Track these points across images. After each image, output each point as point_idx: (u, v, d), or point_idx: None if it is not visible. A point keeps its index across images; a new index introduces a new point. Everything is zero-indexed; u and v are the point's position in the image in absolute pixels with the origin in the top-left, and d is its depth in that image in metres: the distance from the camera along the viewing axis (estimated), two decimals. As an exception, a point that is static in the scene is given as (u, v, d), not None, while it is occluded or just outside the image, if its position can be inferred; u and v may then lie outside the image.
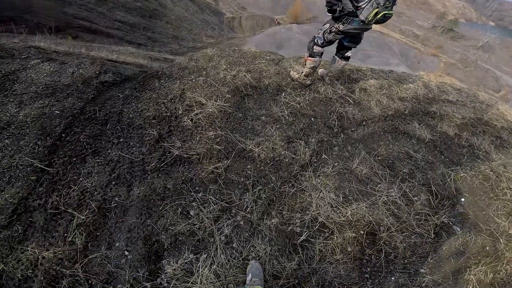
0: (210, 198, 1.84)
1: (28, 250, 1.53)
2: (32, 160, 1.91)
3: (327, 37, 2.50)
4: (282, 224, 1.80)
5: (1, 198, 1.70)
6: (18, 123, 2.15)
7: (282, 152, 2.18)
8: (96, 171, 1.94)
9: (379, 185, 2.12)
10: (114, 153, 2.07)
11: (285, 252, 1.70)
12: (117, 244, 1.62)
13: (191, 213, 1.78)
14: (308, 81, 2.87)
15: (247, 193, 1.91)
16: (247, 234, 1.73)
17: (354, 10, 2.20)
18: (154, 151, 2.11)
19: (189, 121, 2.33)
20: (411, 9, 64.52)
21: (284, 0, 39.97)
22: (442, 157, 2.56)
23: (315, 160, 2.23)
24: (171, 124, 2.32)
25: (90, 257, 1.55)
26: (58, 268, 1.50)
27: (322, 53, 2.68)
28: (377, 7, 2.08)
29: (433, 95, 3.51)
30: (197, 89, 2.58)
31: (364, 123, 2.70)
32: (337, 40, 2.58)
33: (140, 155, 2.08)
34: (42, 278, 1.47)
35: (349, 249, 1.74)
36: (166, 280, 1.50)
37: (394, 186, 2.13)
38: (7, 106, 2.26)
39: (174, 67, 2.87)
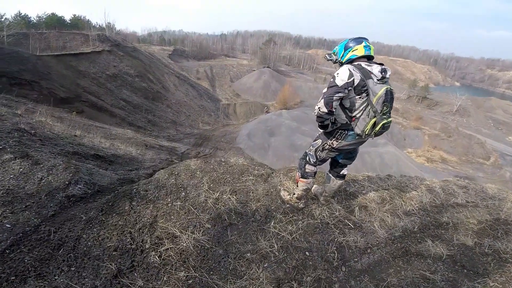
0: None
1: None
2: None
3: (319, 155, 2.30)
4: None
5: None
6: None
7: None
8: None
9: None
10: (61, 280, 1.75)
11: None
12: None
13: None
14: (301, 204, 2.57)
15: None
16: None
17: (348, 122, 2.06)
18: (110, 287, 1.76)
19: (157, 257, 1.97)
20: (385, 82, 72.57)
21: (274, 87, 44.19)
22: (465, 271, 2.20)
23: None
24: (135, 258, 1.96)
25: None
26: None
27: (315, 173, 2.45)
28: (374, 116, 1.94)
29: (441, 201, 3.21)
30: (172, 217, 2.24)
31: (368, 250, 2.32)
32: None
33: (92, 289, 1.67)
34: None
35: None
36: None
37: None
38: None
39: (151, 184, 2.59)
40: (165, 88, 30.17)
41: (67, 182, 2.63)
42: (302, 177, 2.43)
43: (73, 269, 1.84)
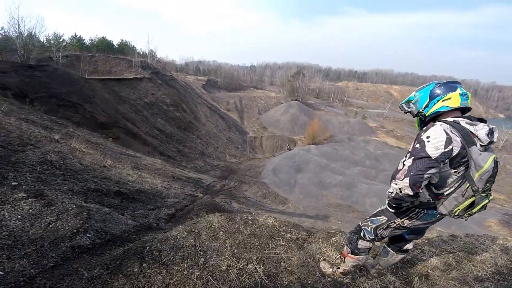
0: None
1: None
2: None
3: (381, 234, 1.78)
4: None
5: None
6: None
7: None
8: None
9: None
10: None
11: None
12: None
13: None
14: (347, 279, 2.01)
15: None
16: None
17: (431, 200, 1.52)
18: None
19: None
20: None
21: (302, 120, 43.32)
22: None
23: None
24: None
25: None
26: None
27: (370, 249, 1.91)
28: (473, 195, 1.38)
29: (518, 260, 2.43)
30: (188, 288, 1.75)
31: None
32: None
33: None
34: None
35: None
36: None
37: None
38: None
39: (166, 244, 2.17)
40: (196, 118, 31.23)
41: (75, 230, 2.32)
42: (352, 253, 1.90)
43: None
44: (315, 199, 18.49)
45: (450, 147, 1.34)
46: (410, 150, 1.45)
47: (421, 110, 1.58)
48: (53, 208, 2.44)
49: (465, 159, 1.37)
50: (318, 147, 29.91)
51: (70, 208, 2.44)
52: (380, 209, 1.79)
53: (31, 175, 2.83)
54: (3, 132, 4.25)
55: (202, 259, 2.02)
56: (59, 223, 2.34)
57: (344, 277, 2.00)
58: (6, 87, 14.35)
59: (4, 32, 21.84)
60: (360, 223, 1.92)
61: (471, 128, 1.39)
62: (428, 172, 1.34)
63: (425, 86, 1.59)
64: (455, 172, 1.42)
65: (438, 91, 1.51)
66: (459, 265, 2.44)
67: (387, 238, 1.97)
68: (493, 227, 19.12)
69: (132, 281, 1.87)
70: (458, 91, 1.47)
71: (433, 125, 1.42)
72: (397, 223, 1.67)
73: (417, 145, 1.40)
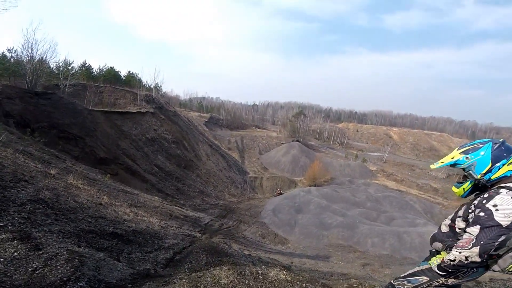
0: None
1: None
2: None
3: None
4: None
5: None
6: None
7: None
8: None
9: None
10: None
11: None
12: None
13: None
14: None
15: None
16: None
17: (484, 260, 1.45)
18: None
19: None
20: (421, 159, 67.26)
21: (303, 162, 42.93)
22: None
23: None
24: None
25: None
26: None
27: None
28: None
29: None
30: None
31: None
32: None
33: None
34: None
35: None
36: None
37: None
38: None
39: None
40: (197, 156, 31.00)
41: (65, 278, 2.01)
42: None
43: None
44: (315, 239, 17.86)
45: None
46: (473, 218, 1.45)
47: (479, 176, 1.55)
48: (41, 252, 2.16)
49: None
50: (319, 188, 29.50)
51: (60, 254, 2.17)
52: (419, 268, 1.72)
53: (19, 214, 2.59)
54: (-3, 167, 4.07)
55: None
56: (47, 270, 2.05)
57: None
58: (9, 114, 14.34)
59: (17, 55, 20.78)
60: (392, 282, 1.83)
61: None
62: (499, 240, 1.36)
63: (479, 148, 1.57)
64: None
65: (501, 154, 1.50)
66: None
67: None
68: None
69: None
70: None
71: (497, 193, 1.42)
72: (440, 282, 1.62)
73: (482, 214, 1.41)
